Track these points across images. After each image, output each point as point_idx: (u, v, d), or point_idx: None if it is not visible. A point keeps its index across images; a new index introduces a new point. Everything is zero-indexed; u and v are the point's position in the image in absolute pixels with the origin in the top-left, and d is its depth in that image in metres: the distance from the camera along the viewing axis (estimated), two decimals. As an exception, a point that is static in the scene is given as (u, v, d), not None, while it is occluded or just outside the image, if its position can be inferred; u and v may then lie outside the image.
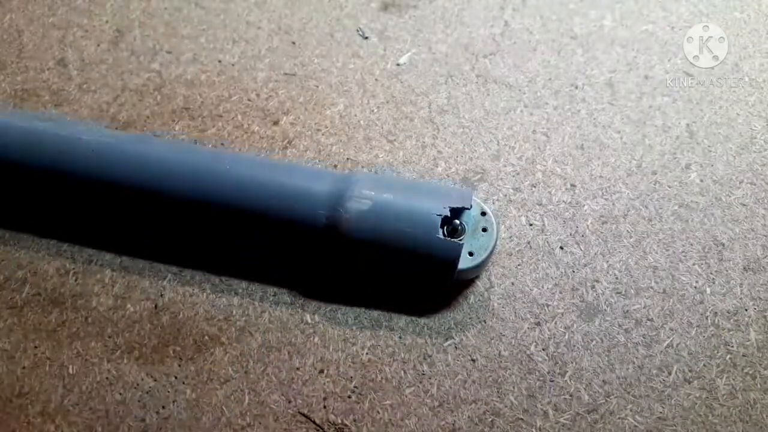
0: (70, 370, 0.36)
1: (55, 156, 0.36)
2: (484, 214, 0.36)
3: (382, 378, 0.35)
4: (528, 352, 0.36)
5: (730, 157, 0.42)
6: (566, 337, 0.36)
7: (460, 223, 0.34)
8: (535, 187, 0.41)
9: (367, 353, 0.36)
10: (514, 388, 0.35)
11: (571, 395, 0.35)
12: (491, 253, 0.35)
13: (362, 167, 0.42)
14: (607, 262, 0.39)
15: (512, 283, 0.38)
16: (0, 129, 0.37)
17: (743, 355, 0.36)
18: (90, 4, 0.50)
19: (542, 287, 0.38)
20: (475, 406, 0.35)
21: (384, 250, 0.34)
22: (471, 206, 0.35)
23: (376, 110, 0.45)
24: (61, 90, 0.46)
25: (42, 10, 0.50)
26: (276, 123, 0.44)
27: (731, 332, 0.36)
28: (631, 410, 0.34)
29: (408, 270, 0.35)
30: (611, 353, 0.36)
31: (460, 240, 0.34)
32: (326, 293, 0.38)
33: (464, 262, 0.35)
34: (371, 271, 0.36)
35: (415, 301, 0.37)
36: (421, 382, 0.35)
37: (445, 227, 0.34)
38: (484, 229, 0.36)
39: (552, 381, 0.35)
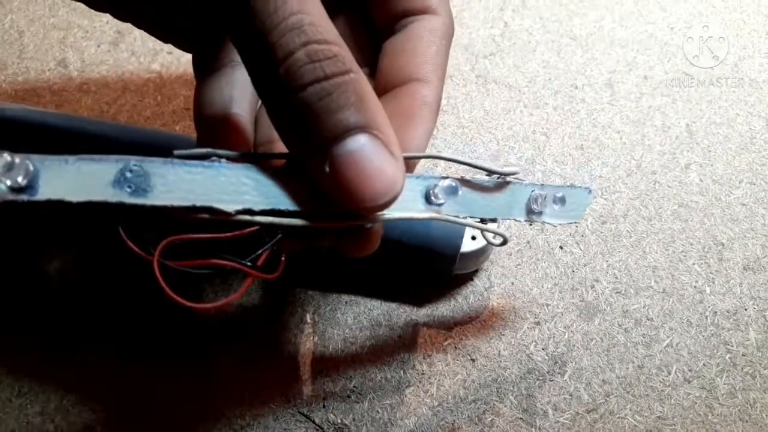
0: (70, 370, 0.36)
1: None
2: None
3: (382, 378, 0.35)
4: (528, 352, 0.36)
5: (729, 157, 0.42)
6: (566, 336, 0.36)
7: None
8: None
9: (367, 353, 0.36)
10: (513, 387, 0.35)
11: (570, 395, 0.35)
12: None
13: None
14: (607, 261, 0.39)
15: (512, 283, 0.38)
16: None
17: (743, 355, 0.36)
18: (91, 5, 0.51)
19: (542, 287, 0.38)
20: (475, 406, 0.35)
21: (386, 230, 0.34)
22: None
23: (375, 110, 0.45)
24: (61, 90, 0.46)
25: (43, 11, 0.50)
26: (276, 123, 0.44)
27: (731, 332, 0.36)
28: (630, 410, 0.34)
29: (411, 252, 0.35)
30: (611, 353, 0.36)
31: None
32: (327, 289, 0.38)
33: (468, 245, 0.35)
34: (373, 255, 0.36)
35: (416, 296, 0.37)
36: (420, 382, 0.35)
37: None
38: None
39: (552, 381, 0.35)
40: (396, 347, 0.36)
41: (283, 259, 0.23)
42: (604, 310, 0.37)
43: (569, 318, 0.37)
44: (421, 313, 0.37)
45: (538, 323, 0.37)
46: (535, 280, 0.38)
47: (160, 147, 0.37)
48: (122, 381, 0.36)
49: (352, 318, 0.37)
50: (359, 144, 0.20)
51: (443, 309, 0.37)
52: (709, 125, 0.44)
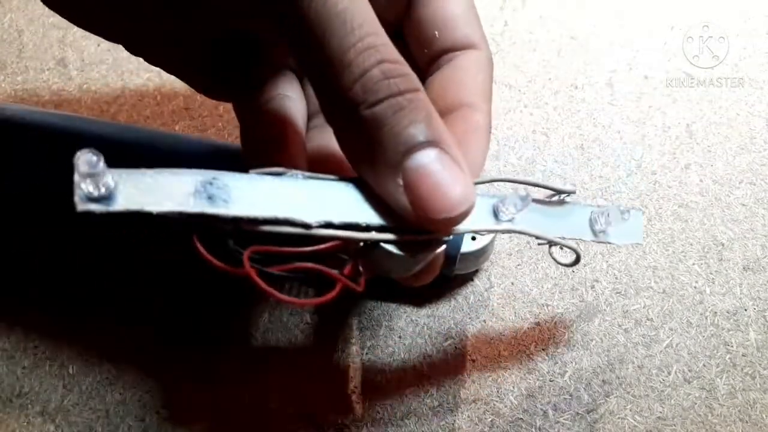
0: (70, 370, 0.36)
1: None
2: None
3: (382, 378, 0.36)
4: (528, 352, 0.36)
5: (729, 157, 0.42)
6: (566, 336, 0.36)
7: None
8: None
9: (367, 353, 0.36)
10: (514, 388, 0.35)
11: (570, 395, 0.35)
12: (493, 239, 0.36)
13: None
14: (607, 262, 0.39)
15: (512, 283, 0.38)
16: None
17: (743, 355, 0.36)
18: (90, 4, 0.50)
19: (542, 287, 0.38)
20: (475, 406, 0.35)
21: None
22: None
23: (376, 110, 0.45)
24: (61, 90, 0.46)
25: (42, 10, 0.50)
26: (276, 123, 0.44)
27: (731, 332, 0.36)
28: (630, 410, 0.34)
29: None
30: (611, 353, 0.36)
31: None
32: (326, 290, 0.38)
33: (468, 246, 0.35)
34: None
35: (416, 296, 0.37)
36: (421, 382, 0.35)
37: None
38: None
39: (552, 381, 0.35)
40: (396, 347, 0.36)
41: (362, 272, 0.23)
42: (604, 310, 0.37)
43: (569, 318, 0.37)
44: (421, 313, 0.37)
45: (538, 323, 0.37)
46: (535, 280, 0.38)
47: (161, 147, 0.37)
48: (122, 381, 0.35)
49: (353, 318, 0.37)
50: (431, 158, 0.20)
51: (443, 309, 0.37)
52: (709, 125, 0.44)
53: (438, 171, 0.20)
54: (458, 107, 0.27)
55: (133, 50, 0.28)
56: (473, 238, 0.35)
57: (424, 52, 0.28)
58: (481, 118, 0.27)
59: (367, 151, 0.21)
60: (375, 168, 0.21)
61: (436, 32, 0.28)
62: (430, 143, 0.20)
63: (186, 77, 0.30)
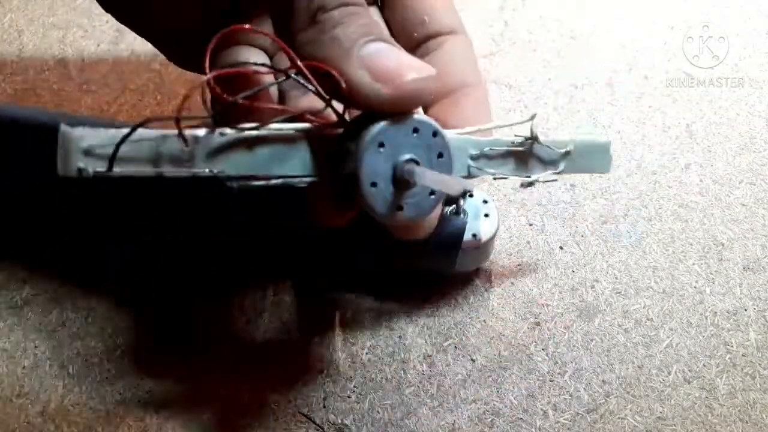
0: (70, 370, 0.36)
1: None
2: (485, 202, 0.36)
3: (382, 378, 0.35)
4: (528, 352, 0.36)
5: (729, 157, 0.42)
6: (566, 336, 0.36)
7: (463, 205, 0.35)
8: (534, 187, 0.41)
9: (367, 353, 0.36)
10: (514, 388, 0.35)
11: (570, 395, 0.35)
12: (494, 236, 0.36)
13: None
14: (607, 262, 0.39)
15: (512, 283, 0.38)
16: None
17: (743, 355, 0.36)
18: (90, 4, 0.51)
19: (542, 287, 0.38)
20: (475, 406, 0.35)
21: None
22: (473, 192, 0.36)
23: (376, 110, 0.45)
24: (61, 90, 0.46)
25: (42, 10, 0.50)
26: (276, 123, 0.44)
27: (731, 332, 0.36)
28: (630, 410, 0.34)
29: (412, 249, 0.35)
30: (611, 353, 0.36)
31: (464, 217, 0.35)
32: (327, 290, 0.38)
33: (468, 243, 0.35)
34: (373, 254, 0.36)
35: (416, 296, 0.38)
36: (421, 382, 0.35)
37: (449, 209, 0.35)
38: (486, 215, 0.36)
39: (552, 381, 0.35)
40: (396, 347, 0.36)
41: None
42: (604, 310, 0.37)
43: (569, 318, 0.37)
44: (421, 313, 0.37)
45: (538, 323, 0.37)
46: (535, 280, 0.38)
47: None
48: (122, 381, 0.35)
49: (353, 318, 0.37)
50: (381, 46, 0.23)
51: (443, 309, 0.37)
52: (709, 125, 0.44)
53: (392, 54, 0.23)
54: (461, 86, 0.29)
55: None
56: (473, 236, 0.35)
57: (413, 36, 0.31)
58: (483, 92, 0.30)
59: (326, 47, 0.23)
60: (334, 59, 0.24)
61: (426, 18, 0.30)
62: (377, 39, 0.23)
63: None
